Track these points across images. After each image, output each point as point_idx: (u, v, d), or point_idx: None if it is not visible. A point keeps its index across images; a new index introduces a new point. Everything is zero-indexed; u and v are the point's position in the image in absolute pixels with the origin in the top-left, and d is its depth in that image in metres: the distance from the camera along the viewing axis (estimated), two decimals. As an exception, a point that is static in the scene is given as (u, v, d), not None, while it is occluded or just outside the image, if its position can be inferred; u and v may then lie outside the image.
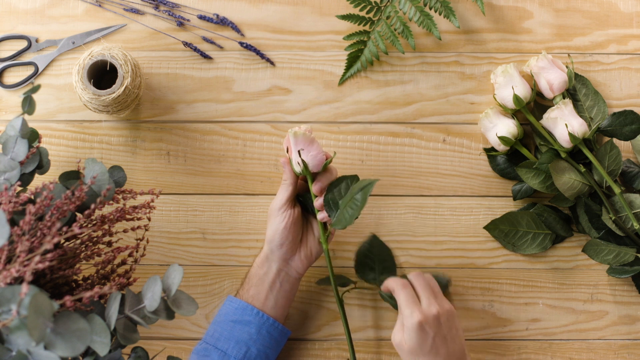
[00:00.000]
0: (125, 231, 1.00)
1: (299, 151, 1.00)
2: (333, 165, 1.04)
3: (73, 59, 1.12)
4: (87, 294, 0.82)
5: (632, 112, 1.10)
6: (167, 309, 0.89)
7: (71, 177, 0.97)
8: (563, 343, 1.12)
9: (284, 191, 1.02)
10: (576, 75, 1.12)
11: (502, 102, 1.09)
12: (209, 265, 1.12)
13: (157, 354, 1.05)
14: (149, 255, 1.10)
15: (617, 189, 1.07)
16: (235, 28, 1.13)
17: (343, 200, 0.98)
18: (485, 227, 1.11)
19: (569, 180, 1.08)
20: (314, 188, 1.01)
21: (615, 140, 1.10)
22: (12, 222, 0.88)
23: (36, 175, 0.97)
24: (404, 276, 1.01)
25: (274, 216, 1.01)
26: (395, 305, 1.01)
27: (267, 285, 1.02)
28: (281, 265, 1.02)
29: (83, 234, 0.95)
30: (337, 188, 1.00)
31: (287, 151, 1.03)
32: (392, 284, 0.99)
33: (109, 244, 0.97)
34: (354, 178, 1.01)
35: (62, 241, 0.94)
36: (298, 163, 1.01)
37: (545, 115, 1.08)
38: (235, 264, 1.12)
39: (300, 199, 1.05)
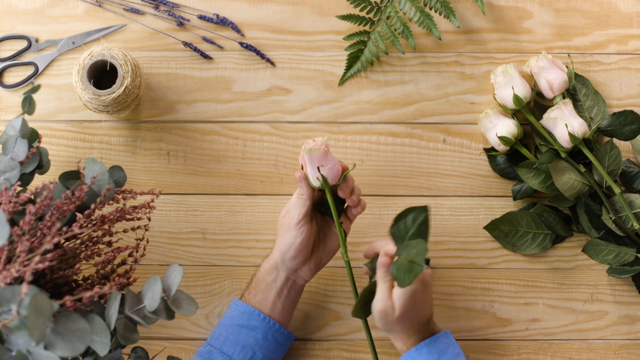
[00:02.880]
0: (125, 231, 1.00)
1: (317, 168, 0.97)
2: (350, 175, 1.00)
3: (73, 59, 1.12)
4: (87, 294, 0.82)
5: (632, 112, 1.10)
6: (167, 309, 0.89)
7: (71, 177, 0.97)
8: (563, 343, 1.12)
9: (302, 206, 0.99)
10: (576, 75, 1.12)
11: (502, 102, 1.09)
12: (209, 265, 1.12)
13: (157, 354, 1.05)
14: (149, 255, 1.10)
15: (617, 189, 1.07)
16: (235, 28, 1.13)
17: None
18: (485, 227, 1.11)
19: (569, 180, 1.08)
20: (340, 195, 0.99)
21: (615, 140, 1.10)
22: (12, 222, 0.88)
23: (36, 175, 0.97)
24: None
25: (291, 230, 0.99)
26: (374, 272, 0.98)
27: (274, 292, 1.02)
28: (290, 273, 1.02)
29: (83, 234, 0.95)
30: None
31: (302, 167, 1.00)
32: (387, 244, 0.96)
33: (109, 244, 0.97)
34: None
35: (62, 241, 0.94)
36: (317, 178, 0.98)
37: (545, 115, 1.08)
38: (235, 264, 1.12)
39: (322, 209, 1.02)
